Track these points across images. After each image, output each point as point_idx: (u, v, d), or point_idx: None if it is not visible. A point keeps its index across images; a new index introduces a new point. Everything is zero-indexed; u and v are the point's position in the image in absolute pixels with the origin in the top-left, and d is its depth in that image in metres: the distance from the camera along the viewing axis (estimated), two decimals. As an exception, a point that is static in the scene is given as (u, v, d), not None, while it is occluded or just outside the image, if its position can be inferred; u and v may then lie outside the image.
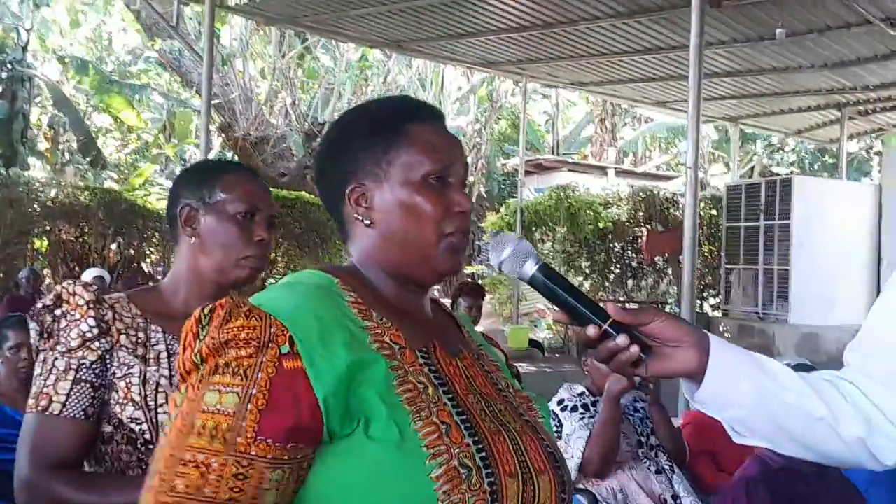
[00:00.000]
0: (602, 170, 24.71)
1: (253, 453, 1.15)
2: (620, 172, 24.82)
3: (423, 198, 1.38)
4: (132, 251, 15.13)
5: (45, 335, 1.94)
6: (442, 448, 1.22)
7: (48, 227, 14.35)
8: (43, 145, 23.87)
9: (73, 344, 1.91)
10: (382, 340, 1.30)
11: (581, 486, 3.88)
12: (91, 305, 1.95)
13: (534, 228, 17.70)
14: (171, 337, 1.99)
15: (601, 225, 17.64)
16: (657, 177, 25.09)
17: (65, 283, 2.00)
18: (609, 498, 3.92)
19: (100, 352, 1.92)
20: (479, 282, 17.92)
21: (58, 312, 1.95)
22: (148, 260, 15.67)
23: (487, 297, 19.55)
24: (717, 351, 1.40)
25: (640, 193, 18.13)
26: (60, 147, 23.30)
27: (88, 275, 10.39)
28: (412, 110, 1.45)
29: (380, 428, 1.20)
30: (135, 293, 2.10)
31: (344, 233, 1.47)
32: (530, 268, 1.41)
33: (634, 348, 1.35)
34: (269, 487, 1.16)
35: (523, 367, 12.72)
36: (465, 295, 7.01)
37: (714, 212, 17.67)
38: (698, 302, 16.62)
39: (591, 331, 1.36)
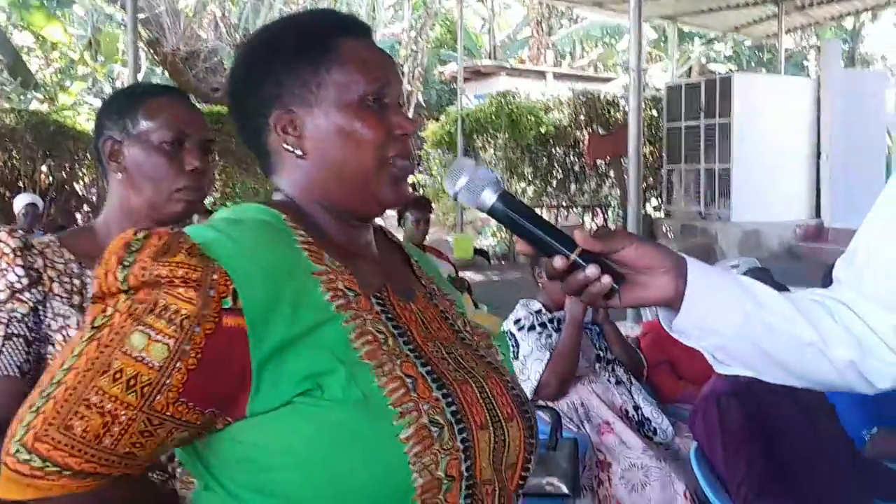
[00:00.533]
0: (541, 74, 24.53)
1: (169, 414, 1.06)
2: (559, 76, 24.65)
3: (363, 122, 1.25)
4: (63, 174, 14.66)
5: None
6: (410, 405, 1.12)
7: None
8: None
9: (1, 297, 1.75)
10: (335, 288, 1.18)
11: (543, 403, 3.82)
12: (18, 253, 1.77)
13: (475, 136, 17.56)
14: None
15: (542, 130, 17.61)
16: (596, 79, 24.98)
17: None
18: (570, 413, 3.90)
19: (31, 303, 1.75)
20: (421, 191, 17.82)
21: None
22: (81, 182, 15.19)
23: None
24: (695, 276, 1.29)
25: (581, 97, 18.09)
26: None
27: (19, 202, 9.96)
28: (342, 24, 1.30)
29: (338, 388, 1.09)
30: (66, 235, 1.92)
31: (267, 165, 1.32)
32: (489, 197, 1.28)
33: (606, 279, 1.23)
34: (170, 444, 1.11)
35: (470, 277, 12.79)
36: (412, 208, 6.83)
37: (654, 112, 17.70)
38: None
39: (558, 262, 1.24)
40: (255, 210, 1.24)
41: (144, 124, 1.88)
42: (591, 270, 1.22)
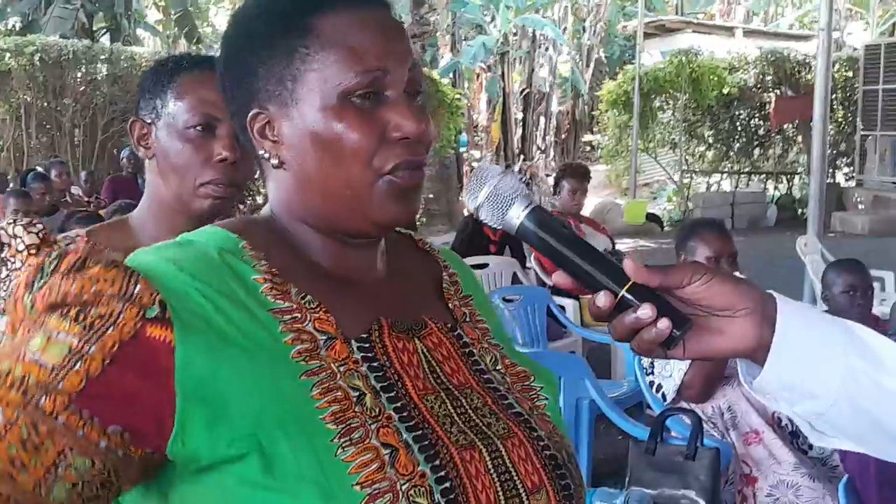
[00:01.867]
0: (729, 30, 23.54)
1: (60, 421, 0.86)
2: (749, 33, 23.56)
3: (346, 125, 1.00)
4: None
5: None
6: (384, 485, 0.90)
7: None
8: (155, 17, 23.87)
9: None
10: (300, 330, 0.97)
11: (685, 405, 3.47)
12: (32, 251, 1.60)
13: (653, 97, 17.11)
14: None
15: (725, 91, 16.94)
16: (789, 36, 23.77)
17: (4, 224, 1.65)
18: (715, 417, 3.60)
19: None
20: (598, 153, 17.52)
21: None
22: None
23: (603, 168, 19.10)
24: (786, 322, 1.02)
25: (769, 56, 17.27)
26: (172, 20, 23.19)
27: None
28: None
29: (287, 460, 0.89)
30: (97, 230, 1.71)
31: (261, 173, 1.11)
32: (516, 214, 1.03)
33: (663, 322, 0.97)
34: (62, 476, 0.87)
35: (640, 244, 12.42)
36: (569, 177, 6.70)
37: (850, 74, 16.83)
38: (830, 171, 15.89)
39: (602, 300, 0.98)
40: (208, 233, 1.04)
41: (173, 105, 1.65)
42: (644, 311, 0.97)
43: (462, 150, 20.09)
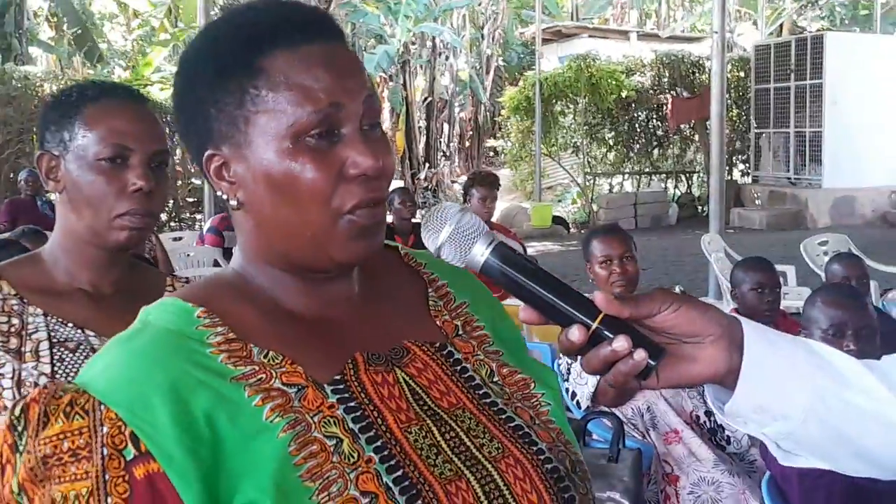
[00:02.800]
0: (624, 34, 23.97)
1: None
2: (643, 36, 24.03)
3: (300, 166, 0.97)
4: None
5: None
6: None
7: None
8: (47, 35, 23.26)
9: None
10: (269, 388, 0.96)
11: (605, 408, 3.51)
12: None
13: (554, 101, 17.27)
14: (53, 320, 1.57)
15: (624, 94, 17.21)
16: (682, 38, 24.28)
17: None
18: (635, 418, 3.62)
19: None
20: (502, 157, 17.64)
21: None
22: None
23: (508, 173, 19.25)
24: (753, 344, 1.02)
25: (664, 59, 17.64)
26: (66, 37, 22.62)
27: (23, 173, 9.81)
28: (268, 31, 0.99)
29: None
30: (7, 265, 1.66)
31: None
32: (480, 251, 1.01)
33: (640, 354, 0.95)
34: None
35: (548, 247, 12.57)
36: (479, 185, 6.67)
37: (742, 74, 17.25)
38: (727, 168, 16.30)
39: (576, 334, 0.96)
40: (159, 312, 1.01)
41: (82, 137, 1.58)
42: (620, 343, 0.95)
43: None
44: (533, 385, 1.13)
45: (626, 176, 18.46)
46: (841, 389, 1.05)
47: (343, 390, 0.99)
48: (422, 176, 21.70)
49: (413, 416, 1.01)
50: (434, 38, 22.49)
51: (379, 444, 0.96)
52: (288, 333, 1.02)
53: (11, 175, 12.61)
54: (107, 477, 0.88)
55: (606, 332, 0.96)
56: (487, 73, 25.68)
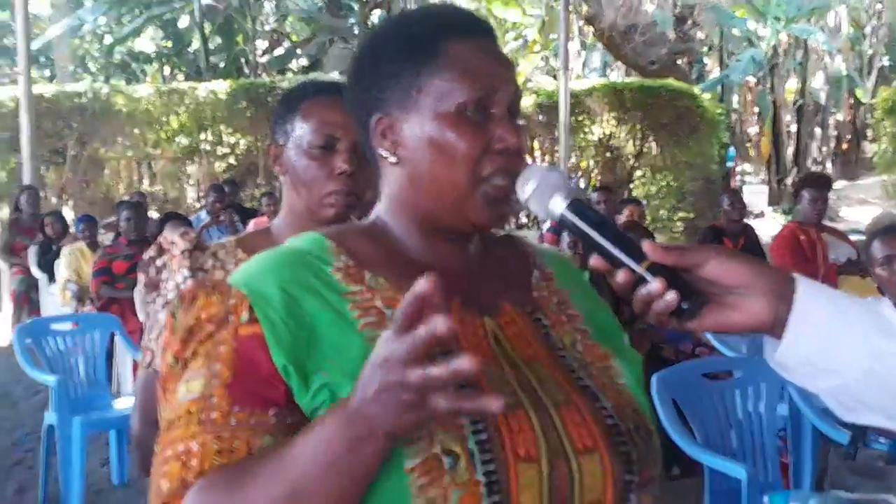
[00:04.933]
0: None
1: (233, 422, 1.06)
2: None
3: (457, 133, 1.15)
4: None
5: (150, 287, 1.95)
6: (422, 432, 1.01)
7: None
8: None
9: (171, 296, 1.87)
10: (370, 306, 1.14)
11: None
12: (186, 255, 1.90)
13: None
14: None
15: None
16: None
17: (165, 233, 1.99)
18: None
19: None
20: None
21: (159, 263, 1.96)
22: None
23: (880, 178, 18.03)
24: (805, 300, 1.07)
25: None
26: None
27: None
28: (451, 25, 1.21)
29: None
30: (245, 237, 2.02)
31: (379, 174, 1.29)
32: (558, 205, 1.14)
33: (671, 295, 1.05)
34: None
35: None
36: (808, 187, 6.46)
37: None
38: None
39: (621, 276, 1.08)
40: (301, 238, 1.24)
41: (300, 128, 1.89)
42: (654, 285, 1.05)
43: (730, 164, 19.62)
44: (613, 359, 1.23)
45: None
46: None
47: None
48: (788, 181, 20.91)
49: (490, 356, 1.14)
50: (806, 39, 21.57)
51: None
52: (402, 271, 1.17)
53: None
54: (223, 333, 1.09)
55: (648, 276, 1.07)
56: (869, 73, 24.21)
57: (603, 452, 1.09)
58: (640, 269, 1.07)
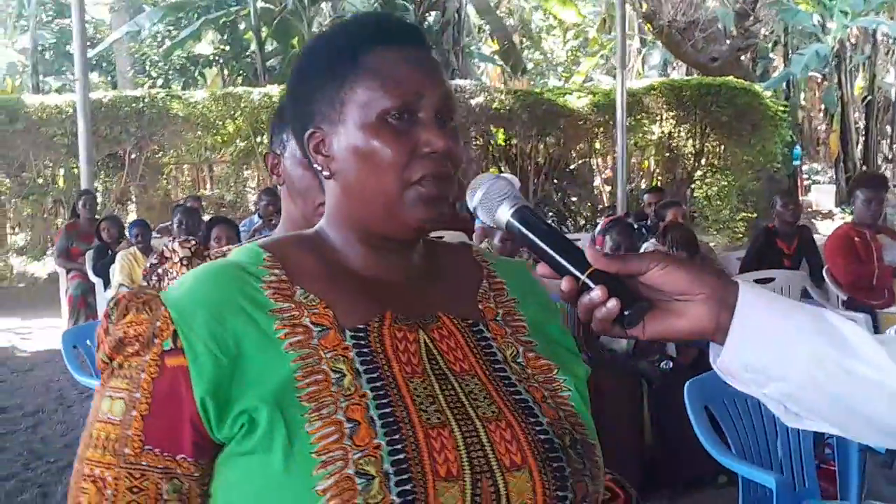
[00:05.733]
0: None
1: (144, 464, 1.08)
2: None
3: (380, 141, 1.16)
4: (558, 150, 15.62)
5: None
6: (337, 454, 1.03)
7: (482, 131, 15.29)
8: (489, 49, 24.94)
9: None
10: (297, 324, 1.13)
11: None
12: (185, 262, 1.91)
13: None
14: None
15: None
16: None
17: (166, 241, 2.00)
18: None
19: None
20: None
21: (160, 271, 1.95)
22: (573, 153, 16.06)
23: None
24: (747, 306, 1.07)
25: None
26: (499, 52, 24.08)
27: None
28: (373, 33, 1.21)
29: (263, 434, 1.05)
30: (266, 242, 2.03)
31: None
32: (504, 213, 1.16)
33: (612, 303, 1.06)
34: (169, 499, 1.08)
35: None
36: (862, 187, 6.38)
37: None
38: None
39: (565, 284, 1.09)
40: (243, 250, 1.23)
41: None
42: (596, 293, 1.06)
43: (796, 163, 19.26)
44: (556, 371, 1.23)
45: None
46: (843, 357, 1.05)
47: (361, 338, 1.14)
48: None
49: (420, 370, 1.14)
50: (875, 32, 21.08)
51: (378, 384, 1.10)
52: (337, 284, 1.19)
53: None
54: (147, 358, 1.09)
55: (590, 284, 1.08)
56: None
57: (533, 468, 1.09)
58: (582, 277, 1.08)
